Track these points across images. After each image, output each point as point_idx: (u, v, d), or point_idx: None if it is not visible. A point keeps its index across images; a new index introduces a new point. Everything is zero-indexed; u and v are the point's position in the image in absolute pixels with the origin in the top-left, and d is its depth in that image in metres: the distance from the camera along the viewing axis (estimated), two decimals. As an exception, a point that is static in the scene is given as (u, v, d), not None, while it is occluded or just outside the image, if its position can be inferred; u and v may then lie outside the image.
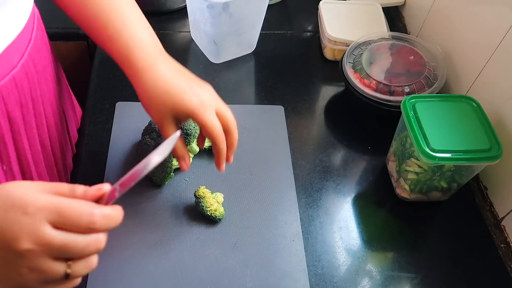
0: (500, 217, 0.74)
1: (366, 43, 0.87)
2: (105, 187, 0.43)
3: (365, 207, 0.75)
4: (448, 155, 0.65)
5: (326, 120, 0.88)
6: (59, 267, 0.37)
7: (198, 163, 0.77)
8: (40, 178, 0.63)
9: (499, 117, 0.73)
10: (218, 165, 0.59)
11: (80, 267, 0.38)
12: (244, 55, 0.98)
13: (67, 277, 0.37)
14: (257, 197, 0.73)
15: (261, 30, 0.95)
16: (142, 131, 0.75)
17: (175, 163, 0.72)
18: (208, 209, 0.67)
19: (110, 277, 0.63)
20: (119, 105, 0.84)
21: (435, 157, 0.64)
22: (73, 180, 0.75)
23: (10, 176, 0.57)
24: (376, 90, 0.81)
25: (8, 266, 0.35)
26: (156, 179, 0.72)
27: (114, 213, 0.41)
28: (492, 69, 0.76)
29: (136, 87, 0.56)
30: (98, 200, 0.41)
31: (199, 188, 0.69)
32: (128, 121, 0.81)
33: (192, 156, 0.76)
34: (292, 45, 1.01)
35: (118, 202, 0.72)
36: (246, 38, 0.94)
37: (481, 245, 0.72)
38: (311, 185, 0.77)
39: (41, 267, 0.36)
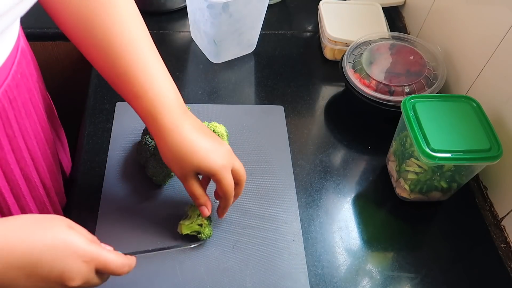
0: (500, 217, 0.74)
1: (366, 43, 0.87)
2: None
3: (365, 207, 0.75)
4: (448, 155, 0.65)
5: (326, 120, 0.88)
6: None
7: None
8: (26, 209, 0.63)
9: (499, 117, 0.73)
10: (220, 214, 0.67)
11: None
12: (244, 55, 0.98)
13: None
14: (257, 197, 0.73)
15: (261, 30, 0.95)
16: (142, 131, 0.75)
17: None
18: (189, 228, 0.66)
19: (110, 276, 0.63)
20: (119, 105, 0.84)
21: (435, 157, 0.64)
22: (73, 180, 0.75)
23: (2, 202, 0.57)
24: (376, 90, 0.81)
25: None
26: (157, 179, 0.72)
27: (133, 264, 0.53)
28: (492, 69, 0.76)
29: (160, 145, 0.60)
30: None
31: (190, 206, 0.68)
32: (128, 121, 0.81)
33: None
34: (292, 45, 1.01)
35: (119, 202, 0.72)
36: (246, 38, 0.94)
37: (481, 245, 0.72)
38: (311, 185, 0.77)
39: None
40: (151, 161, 0.70)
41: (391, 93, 0.81)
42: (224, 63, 0.96)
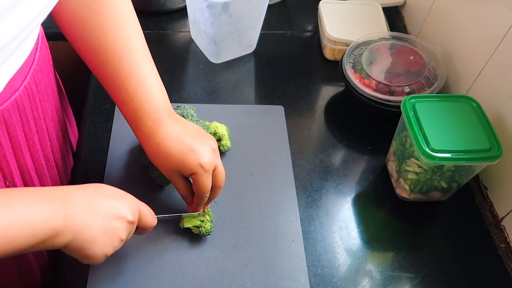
0: (500, 217, 0.74)
1: (366, 43, 0.87)
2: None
3: (365, 207, 0.75)
4: (448, 155, 0.65)
5: (326, 120, 0.88)
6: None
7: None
8: None
9: (499, 117, 0.73)
10: (189, 208, 0.67)
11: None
12: (244, 55, 0.98)
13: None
14: (257, 197, 0.73)
15: (261, 30, 0.95)
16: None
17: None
18: (190, 223, 0.67)
19: (110, 277, 0.63)
20: (119, 105, 0.84)
21: (435, 157, 0.64)
22: (73, 180, 0.75)
23: None
24: (376, 90, 0.81)
25: (115, 232, 0.54)
26: (161, 181, 0.71)
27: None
28: (492, 69, 0.76)
29: (145, 148, 0.62)
30: None
31: (183, 215, 0.68)
32: (128, 121, 0.81)
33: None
34: (292, 45, 1.01)
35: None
36: (246, 38, 0.94)
37: (481, 245, 0.72)
38: (311, 185, 0.77)
39: (132, 230, 0.57)
40: None
41: (391, 93, 0.81)
42: (224, 63, 0.96)
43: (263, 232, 0.70)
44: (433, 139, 0.66)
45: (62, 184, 0.71)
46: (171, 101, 0.64)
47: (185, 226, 0.67)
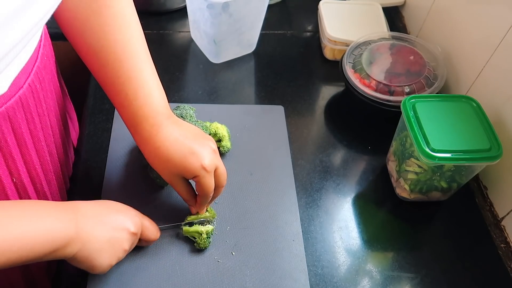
0: (500, 217, 0.74)
1: (366, 43, 0.87)
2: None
3: (365, 207, 0.75)
4: (448, 155, 0.65)
5: (326, 120, 0.88)
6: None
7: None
8: (49, 185, 0.65)
9: (499, 117, 0.73)
10: (193, 209, 0.67)
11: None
12: (244, 55, 0.98)
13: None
14: (257, 197, 0.73)
15: (261, 30, 0.95)
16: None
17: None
18: (187, 232, 0.67)
19: (110, 277, 0.63)
20: (119, 105, 0.84)
21: (435, 157, 0.64)
22: (73, 180, 0.75)
23: (21, 187, 0.58)
24: (376, 90, 0.81)
25: (120, 238, 0.57)
26: (160, 181, 0.71)
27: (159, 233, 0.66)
28: (492, 69, 0.76)
29: (144, 152, 0.62)
30: None
31: (187, 217, 0.68)
32: (128, 121, 0.81)
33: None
34: (292, 45, 1.01)
35: (121, 203, 0.71)
36: (246, 38, 0.94)
37: (481, 245, 0.72)
38: (311, 185, 0.77)
39: (134, 242, 0.60)
40: None
41: (391, 93, 0.81)
42: (224, 63, 0.96)
43: (263, 232, 0.70)
44: (433, 139, 0.66)
45: (64, 178, 0.72)
46: (171, 101, 0.64)
47: (184, 235, 0.67)
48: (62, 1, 0.57)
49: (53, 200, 0.67)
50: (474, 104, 0.71)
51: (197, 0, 0.86)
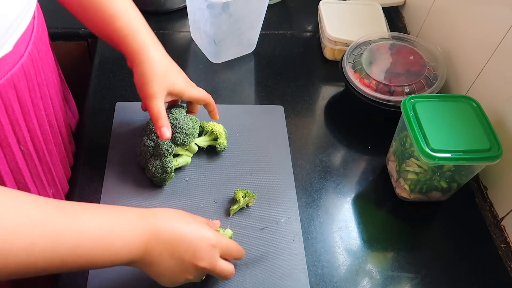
0: (500, 217, 0.74)
1: (366, 43, 0.87)
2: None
3: (365, 207, 0.75)
4: (448, 155, 0.65)
5: (326, 120, 0.88)
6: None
7: (198, 162, 0.77)
8: (51, 155, 0.67)
9: (499, 117, 0.73)
10: (214, 116, 0.77)
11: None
12: (244, 55, 0.98)
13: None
14: (257, 197, 0.73)
15: (261, 30, 0.95)
16: (141, 132, 0.75)
17: (175, 163, 0.72)
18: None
19: (110, 277, 0.63)
20: (119, 105, 0.84)
21: (435, 157, 0.64)
22: (74, 179, 0.75)
23: (28, 156, 0.61)
24: (376, 90, 0.81)
25: (185, 271, 0.55)
26: (157, 180, 0.71)
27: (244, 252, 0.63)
28: (492, 69, 0.76)
29: (136, 63, 0.67)
30: None
31: (237, 191, 0.71)
32: (128, 121, 0.81)
33: (191, 155, 0.76)
34: (292, 45, 1.01)
35: (119, 202, 0.72)
36: (246, 38, 0.94)
37: (481, 245, 0.72)
38: (311, 185, 0.77)
39: (201, 275, 0.58)
40: (151, 162, 0.70)
41: (391, 93, 0.81)
42: (224, 63, 0.96)
43: (263, 232, 0.70)
44: (433, 139, 0.66)
45: (66, 151, 0.74)
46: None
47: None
48: None
49: (54, 169, 0.69)
50: (474, 104, 0.71)
51: (197, 0, 0.86)
